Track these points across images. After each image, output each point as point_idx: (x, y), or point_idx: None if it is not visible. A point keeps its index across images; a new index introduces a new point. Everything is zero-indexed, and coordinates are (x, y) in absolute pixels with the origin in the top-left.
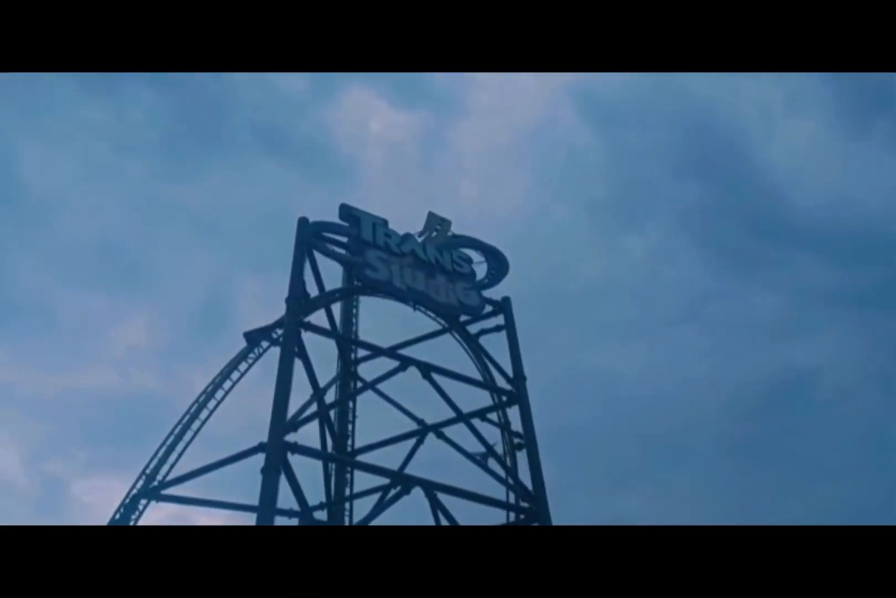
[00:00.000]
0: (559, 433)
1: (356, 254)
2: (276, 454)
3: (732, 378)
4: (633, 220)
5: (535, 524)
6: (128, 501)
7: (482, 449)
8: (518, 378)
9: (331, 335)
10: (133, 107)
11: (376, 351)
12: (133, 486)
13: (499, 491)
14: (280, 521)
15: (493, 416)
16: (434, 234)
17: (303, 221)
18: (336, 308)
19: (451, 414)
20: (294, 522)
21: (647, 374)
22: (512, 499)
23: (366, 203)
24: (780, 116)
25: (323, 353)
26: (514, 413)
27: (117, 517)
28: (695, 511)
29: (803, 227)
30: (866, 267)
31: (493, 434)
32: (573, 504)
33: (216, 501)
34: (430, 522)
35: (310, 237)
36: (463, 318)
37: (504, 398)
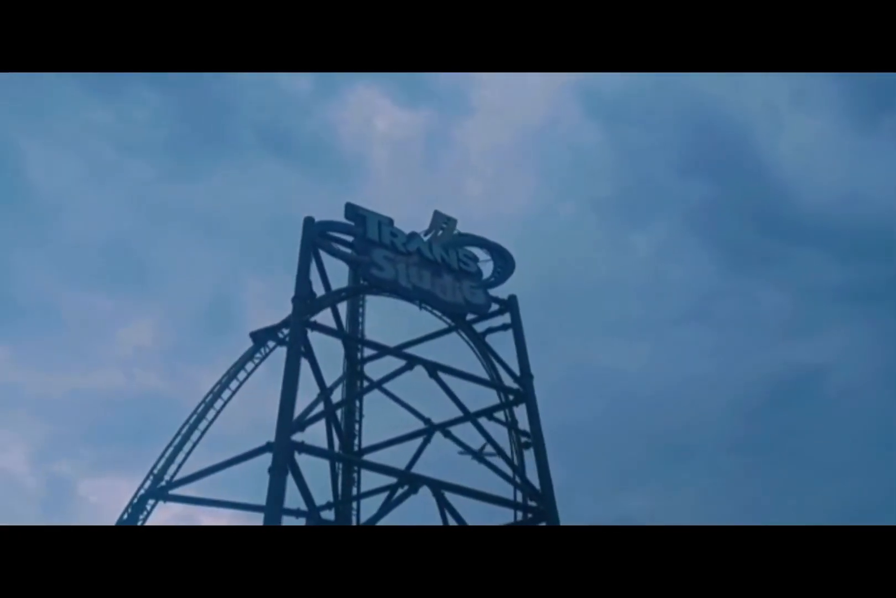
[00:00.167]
0: (564, 432)
1: (362, 253)
2: (283, 454)
3: (739, 376)
4: (639, 218)
5: (543, 524)
6: (135, 501)
7: (489, 448)
8: (525, 377)
9: (337, 335)
10: (137, 107)
11: (383, 350)
12: (140, 486)
13: (506, 490)
14: (287, 521)
15: (500, 415)
16: (440, 232)
17: (308, 221)
18: (342, 307)
19: (458, 413)
20: (301, 521)
21: (653, 372)
22: (519, 498)
23: (371, 202)
24: (787, 113)
25: (329, 352)
26: (520, 412)
27: (125, 517)
28: (701, 510)
29: (810, 224)
30: (874, 264)
31: (500, 433)
32: (579, 504)
33: (223, 501)
34: (438, 521)
35: (315, 237)
36: (469, 316)
37: (511, 397)
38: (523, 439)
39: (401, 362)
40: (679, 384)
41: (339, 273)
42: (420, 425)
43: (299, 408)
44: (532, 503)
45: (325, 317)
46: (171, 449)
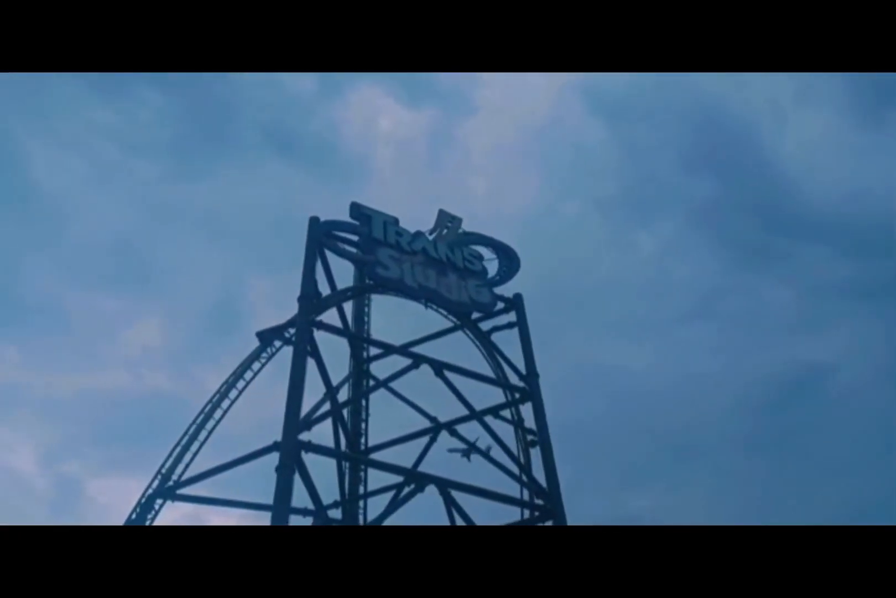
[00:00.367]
0: (570, 430)
1: (367, 252)
2: (290, 453)
3: (744, 374)
4: (643, 216)
5: (550, 522)
6: (144, 500)
7: (496, 447)
8: (531, 375)
9: (343, 334)
10: (141, 108)
11: (388, 349)
12: (149, 486)
13: (513, 488)
14: (295, 519)
15: (506, 413)
16: (445, 231)
17: (314, 221)
18: (348, 307)
19: (464, 412)
20: (308, 520)
21: (658, 370)
22: (526, 496)
23: (376, 201)
24: (791, 110)
25: (335, 352)
26: (526, 410)
27: (134, 516)
28: (706, 508)
29: (816, 220)
30: (880, 260)
31: (506, 432)
32: (585, 502)
33: (231, 500)
34: (445, 519)
35: (321, 236)
36: (475, 315)
37: (517, 395)
38: (529, 438)
39: (407, 361)
40: (684, 382)
41: (344, 273)
42: (426, 423)
43: (306, 407)
44: (538, 502)
45: (330, 316)
46: (178, 449)
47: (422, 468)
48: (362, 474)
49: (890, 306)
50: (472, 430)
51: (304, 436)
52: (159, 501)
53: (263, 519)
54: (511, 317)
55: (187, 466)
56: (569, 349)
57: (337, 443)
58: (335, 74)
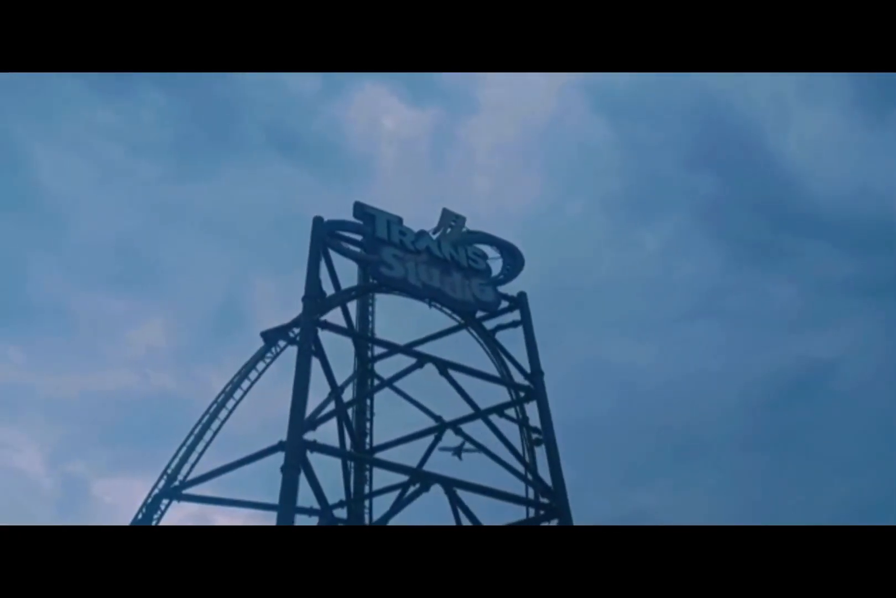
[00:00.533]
0: (575, 428)
1: (371, 252)
2: (296, 453)
3: (750, 371)
4: (647, 214)
5: (555, 520)
6: (150, 501)
7: (501, 446)
8: (535, 374)
9: (347, 333)
10: (145, 109)
11: (393, 348)
12: (154, 486)
13: (518, 487)
14: (300, 519)
15: (511, 412)
16: (449, 230)
17: (317, 220)
18: (352, 306)
19: (469, 411)
20: (314, 520)
21: (662, 368)
22: (531, 495)
23: (379, 201)
24: (795, 107)
25: (339, 351)
26: (531, 409)
27: (140, 516)
28: (712, 506)
29: (820, 217)
30: (885, 256)
31: (511, 430)
32: (590, 500)
33: (237, 500)
34: (450, 518)
35: (325, 236)
36: (479, 314)
37: (521, 394)
38: (534, 436)
39: (411, 360)
40: (688, 380)
41: (348, 272)
42: (431, 422)
43: (311, 407)
44: (544, 500)
45: (335, 316)
46: (184, 449)
47: (427, 468)
48: (367, 473)
49: (894, 304)
50: (476, 429)
51: (310, 436)
52: (165, 501)
53: (269, 519)
54: (515, 315)
55: (193, 466)
56: (573, 347)
57: (342, 442)
58: (338, 74)
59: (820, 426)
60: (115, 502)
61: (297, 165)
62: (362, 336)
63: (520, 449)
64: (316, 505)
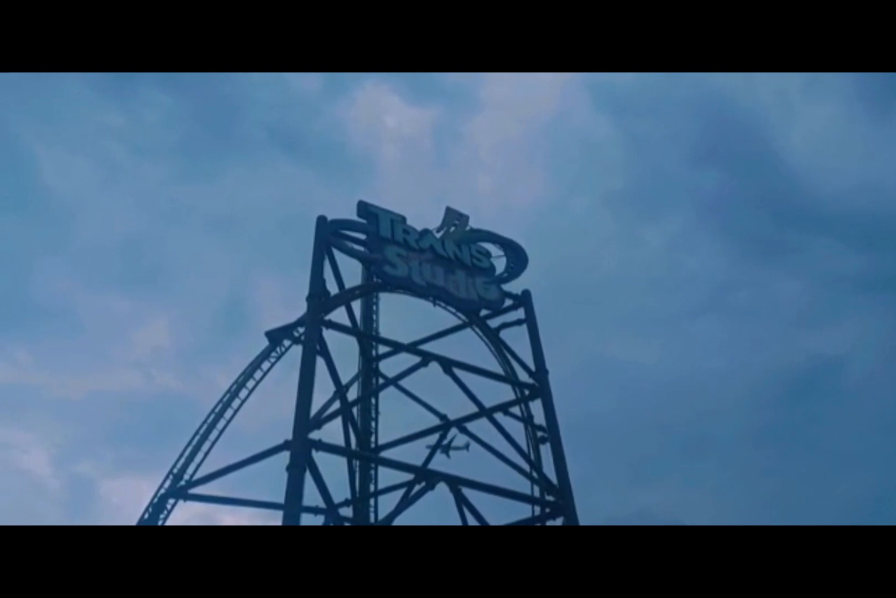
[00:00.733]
0: (580, 426)
1: (375, 251)
2: (301, 452)
3: (756, 368)
4: (651, 210)
5: (561, 518)
6: (156, 500)
7: (506, 444)
8: (540, 372)
9: (352, 332)
10: (149, 110)
11: (397, 347)
12: (161, 485)
13: (524, 485)
14: (306, 518)
15: (516, 410)
16: (452, 229)
17: (321, 220)
18: (356, 305)
19: (474, 409)
20: (320, 519)
21: (668, 365)
22: (537, 493)
23: (382, 199)
24: (799, 101)
25: (344, 350)
26: (536, 407)
27: (146, 516)
28: (719, 503)
29: (826, 212)
30: (891, 251)
31: (516, 428)
32: (596, 498)
33: (243, 499)
34: (455, 517)
35: (328, 235)
36: (483, 312)
37: (526, 392)
38: (539, 434)
39: (415, 359)
40: (694, 377)
41: (352, 271)
42: (436, 421)
43: (316, 406)
44: (549, 498)
45: (339, 315)
46: (190, 449)
47: (432, 466)
48: (373, 472)
49: None
50: (481, 427)
51: (315, 435)
52: (171, 501)
53: (275, 518)
54: (519, 314)
55: (199, 465)
56: (578, 345)
57: (347, 441)
58: (341, 73)
59: (827, 422)
60: (122, 502)
61: (300, 165)
62: (367, 335)
63: (525, 447)
64: (321, 504)
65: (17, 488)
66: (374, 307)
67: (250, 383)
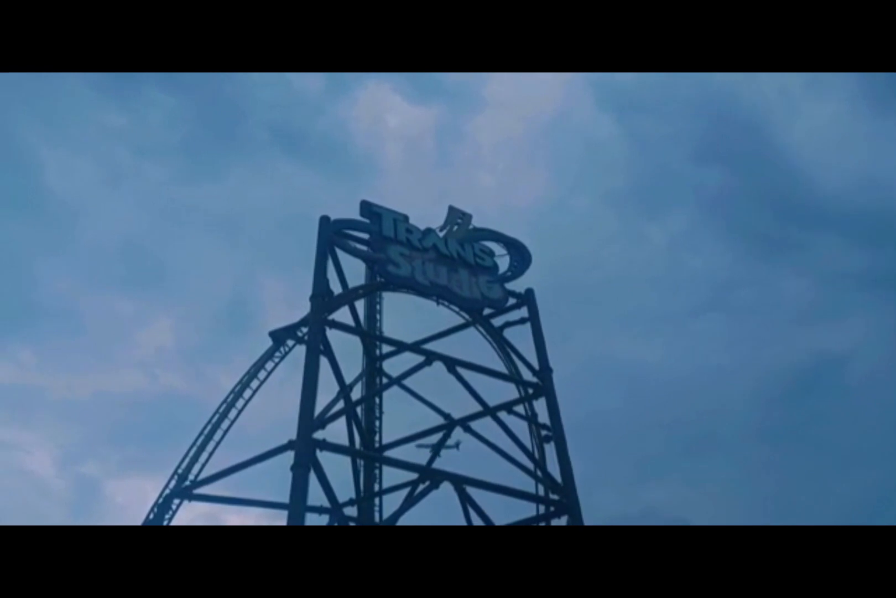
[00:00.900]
0: (584, 424)
1: (378, 250)
2: (305, 452)
3: (759, 365)
4: (654, 208)
5: (565, 517)
6: (161, 500)
7: (510, 443)
8: (544, 370)
9: (355, 332)
10: (151, 110)
11: (401, 347)
12: (166, 486)
13: (528, 484)
14: (311, 517)
15: (520, 409)
16: (455, 228)
17: (324, 220)
18: (360, 305)
19: (478, 408)
20: (325, 518)
21: (672, 363)
22: (541, 491)
23: (385, 198)
24: (802, 98)
25: (348, 350)
26: (540, 405)
27: (151, 516)
28: (722, 501)
29: (829, 209)
30: (894, 248)
31: (520, 427)
32: (601, 496)
33: (248, 499)
34: (460, 516)
35: (331, 235)
36: (487, 311)
37: (530, 391)
38: (544, 433)
39: (419, 358)
40: (698, 375)
41: (355, 271)
42: (440, 420)
43: (320, 406)
44: (554, 497)
45: (342, 315)
46: (194, 449)
47: (436, 465)
48: (377, 471)
49: None
50: (485, 426)
51: (319, 434)
52: (176, 501)
53: (280, 517)
54: (523, 312)
55: (203, 465)
56: (582, 343)
57: (351, 441)
58: (343, 73)
59: (830, 419)
60: (127, 502)
61: (303, 165)
62: (370, 335)
63: (529, 446)
64: (326, 503)
65: (21, 489)
66: (378, 307)
67: (254, 383)
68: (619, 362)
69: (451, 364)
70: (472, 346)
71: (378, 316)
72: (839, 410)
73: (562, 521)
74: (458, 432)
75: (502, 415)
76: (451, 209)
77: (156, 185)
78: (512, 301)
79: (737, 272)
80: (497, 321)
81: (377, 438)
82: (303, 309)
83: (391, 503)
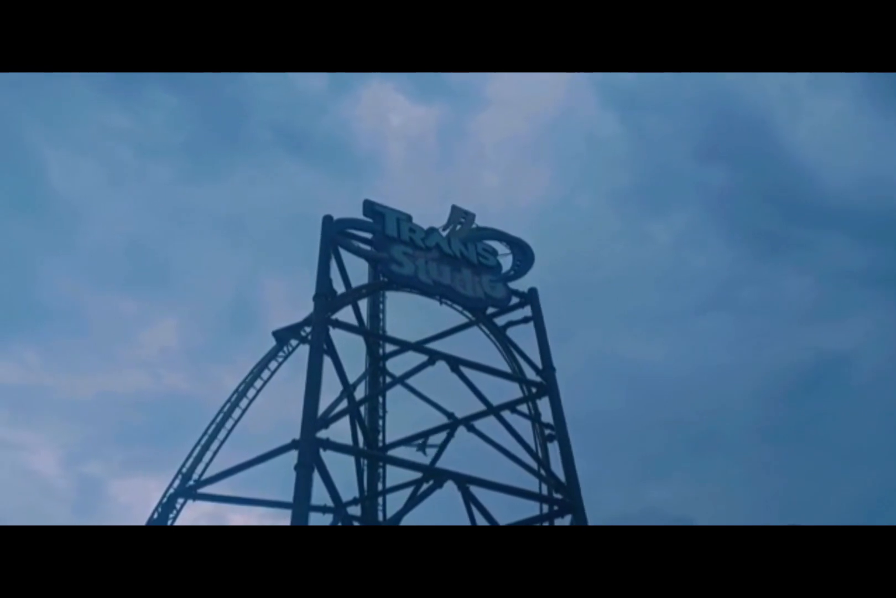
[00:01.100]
0: (588, 423)
1: (381, 250)
2: (309, 451)
3: (763, 364)
4: (658, 207)
5: (569, 516)
6: (165, 500)
7: (514, 442)
8: (547, 369)
9: (359, 332)
10: (154, 110)
11: (404, 346)
12: (170, 485)
13: (532, 483)
14: (314, 517)
15: (524, 408)
16: (458, 227)
17: (327, 219)
18: (363, 304)
19: (481, 407)
20: (328, 518)
21: (676, 361)
22: (545, 491)
23: (388, 198)
24: (806, 95)
25: (351, 349)
26: (544, 404)
27: (155, 516)
28: (726, 499)
29: (833, 207)
30: None
31: (523, 426)
32: (605, 496)
33: (252, 498)
34: (464, 515)
35: (335, 235)
36: (490, 310)
37: (534, 390)
38: (547, 432)
39: (423, 358)
40: (701, 373)
41: (359, 270)
42: (443, 419)
43: (323, 405)
44: (558, 496)
45: (346, 314)
46: (198, 448)
47: (440, 464)
48: (381, 470)
49: None
50: (489, 425)
51: (322, 434)
52: (180, 500)
53: (283, 517)
54: (526, 311)
55: (207, 465)
56: (585, 342)
57: (355, 440)
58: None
59: (834, 419)
60: (131, 501)
61: (306, 164)
62: (374, 334)
63: (533, 445)
64: (330, 503)
65: (25, 489)
66: (381, 306)
67: (258, 383)
68: (621, 360)
69: (455, 363)
70: (476, 345)
71: (381, 315)
72: (842, 409)
73: (566, 520)
74: (461, 432)
75: (506, 414)
76: (454, 208)
77: (159, 185)
78: (515, 300)
79: (740, 271)
80: (500, 321)
81: (381, 437)
82: (306, 309)
83: (395, 502)
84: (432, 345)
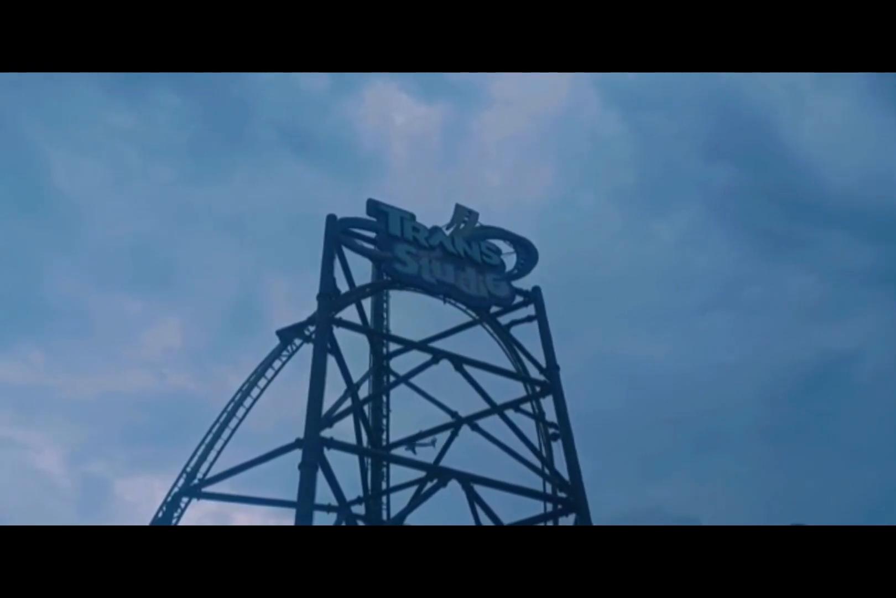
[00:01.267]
0: (591, 422)
1: (385, 249)
2: (313, 450)
3: (766, 363)
4: (661, 205)
5: (573, 515)
6: (170, 499)
7: (517, 441)
8: (551, 368)
9: (362, 331)
10: (158, 111)
11: (408, 345)
12: (174, 484)
13: (535, 482)
14: (318, 516)
15: (527, 407)
16: (462, 226)
17: (331, 218)
18: (366, 303)
19: (485, 406)
20: (332, 517)
21: (679, 360)
22: (549, 489)
23: (392, 197)
24: (810, 94)
25: (355, 348)
26: (547, 403)
27: (160, 515)
28: (729, 498)
29: (837, 206)
30: None
31: (527, 425)
32: (608, 494)
33: (256, 497)
34: (467, 514)
35: (338, 234)
36: (493, 309)
37: (537, 389)
38: (551, 431)
39: (426, 357)
40: (705, 372)
41: (362, 270)
42: (447, 418)
43: (327, 404)
44: (561, 495)
45: (349, 313)
46: (203, 447)
47: (444, 463)
48: (384, 469)
49: None
50: (493, 424)
51: (326, 433)
52: (185, 499)
53: (288, 515)
54: (530, 310)
55: (212, 464)
56: (588, 341)
57: (359, 439)
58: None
59: (838, 417)
60: (135, 500)
61: (309, 164)
62: (377, 333)
63: (536, 444)
64: (334, 502)
65: (30, 488)
66: (385, 305)
67: (262, 382)
68: (624, 359)
69: (458, 362)
70: (479, 344)
71: (385, 314)
72: (845, 408)
73: (569, 519)
74: (465, 431)
75: (509, 413)
76: (458, 207)
77: (163, 185)
78: (519, 299)
79: (743, 269)
80: (504, 319)
81: (384, 436)
82: (310, 308)
83: (399, 501)
84: (436, 344)
